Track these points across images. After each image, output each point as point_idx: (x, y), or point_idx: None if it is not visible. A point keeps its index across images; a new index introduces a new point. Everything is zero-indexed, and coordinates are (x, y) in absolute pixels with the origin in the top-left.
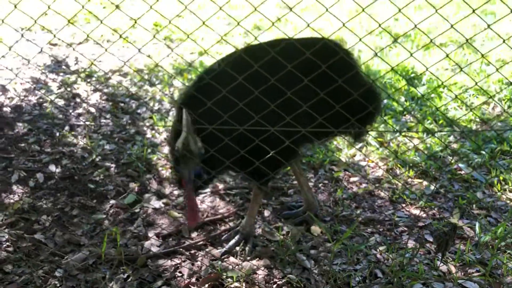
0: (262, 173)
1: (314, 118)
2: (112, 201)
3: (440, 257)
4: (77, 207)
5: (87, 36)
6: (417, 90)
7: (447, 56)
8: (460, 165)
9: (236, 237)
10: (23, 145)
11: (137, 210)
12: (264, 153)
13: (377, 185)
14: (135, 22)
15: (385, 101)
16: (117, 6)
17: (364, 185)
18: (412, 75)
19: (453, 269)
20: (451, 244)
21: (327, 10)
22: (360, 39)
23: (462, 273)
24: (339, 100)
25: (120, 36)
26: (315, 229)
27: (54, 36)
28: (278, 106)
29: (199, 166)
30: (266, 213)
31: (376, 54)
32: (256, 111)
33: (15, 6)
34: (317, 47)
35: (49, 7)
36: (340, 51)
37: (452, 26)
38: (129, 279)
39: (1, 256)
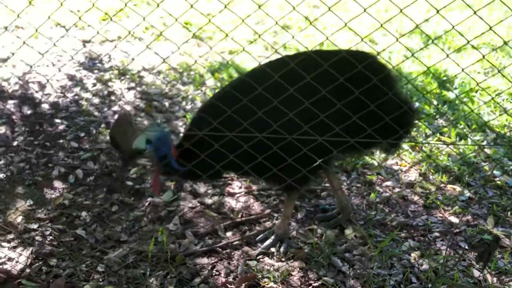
0: (292, 184)
1: (346, 133)
2: (150, 199)
3: (481, 268)
4: (116, 203)
5: (132, 31)
6: (452, 91)
7: (483, 57)
8: (495, 172)
9: (272, 238)
10: (61, 141)
11: (173, 209)
12: (296, 163)
13: (410, 189)
14: (176, 19)
15: (417, 104)
16: (158, 5)
17: (397, 189)
18: (444, 78)
19: (489, 278)
20: (493, 255)
21: (365, 10)
22: (397, 39)
23: (498, 282)
24: (373, 118)
25: (161, 33)
26: (349, 232)
27: (97, 32)
28: (312, 119)
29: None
30: (300, 215)
31: (412, 55)
32: (289, 123)
33: (61, 4)
34: (365, 63)
35: (93, 5)
36: (384, 69)
37: (491, 28)
38: (168, 276)
39: (46, 249)
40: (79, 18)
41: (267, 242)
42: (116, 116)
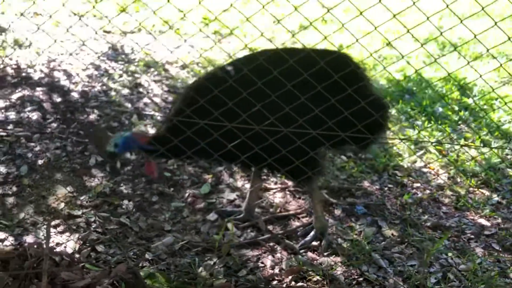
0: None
1: (322, 124)
2: (189, 191)
3: None
4: (155, 193)
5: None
6: (472, 99)
7: (501, 66)
8: None
9: (312, 233)
10: (94, 134)
11: (213, 201)
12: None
13: (440, 192)
14: (184, 15)
15: (440, 109)
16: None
17: (427, 191)
18: (464, 85)
19: None
20: None
21: (394, 16)
22: (422, 45)
23: None
24: (346, 109)
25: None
26: (387, 231)
27: (115, 21)
28: (290, 110)
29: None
30: (337, 212)
31: (435, 60)
32: (269, 113)
33: None
34: (329, 59)
35: None
36: (350, 64)
37: (510, 38)
38: (216, 266)
39: (93, 236)
40: (93, 6)
41: (308, 237)
42: (94, 129)
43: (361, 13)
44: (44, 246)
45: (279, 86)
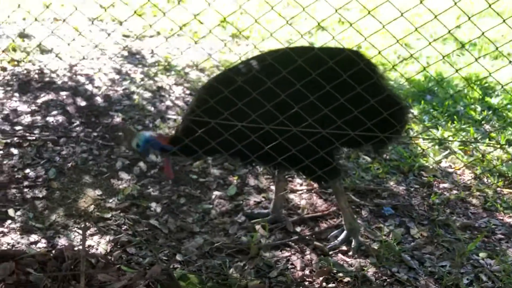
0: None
1: (333, 124)
2: (216, 192)
3: None
4: (183, 196)
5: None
6: (494, 98)
7: None
8: None
9: (343, 235)
10: (120, 134)
11: (240, 202)
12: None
13: (467, 192)
14: (194, 17)
15: (463, 109)
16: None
17: (454, 191)
18: (486, 84)
19: None
20: None
21: (406, 15)
22: (430, 43)
23: None
24: (357, 108)
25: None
26: (415, 231)
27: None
28: (301, 108)
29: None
30: (364, 213)
31: (459, 68)
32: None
33: None
34: (339, 58)
35: None
36: (360, 61)
37: None
38: (246, 268)
39: (124, 238)
40: (105, 10)
41: (340, 238)
42: (122, 127)
43: (369, 12)
44: (81, 248)
45: (288, 86)
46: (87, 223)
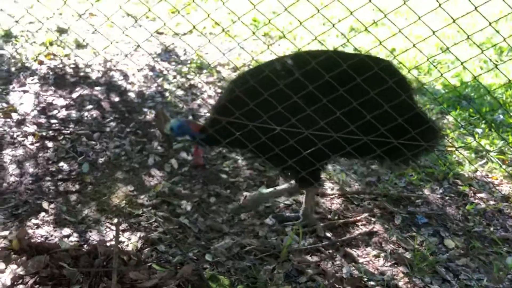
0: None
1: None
2: (246, 193)
3: None
4: (213, 195)
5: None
6: None
7: None
8: None
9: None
10: (152, 130)
11: (270, 204)
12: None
13: (505, 204)
14: (239, 18)
15: (501, 117)
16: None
17: (491, 202)
18: None
19: None
20: None
21: (454, 21)
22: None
23: None
24: (380, 124)
25: (223, 30)
26: (449, 242)
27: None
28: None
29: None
30: (397, 221)
31: (496, 66)
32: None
33: None
34: (380, 67)
35: None
36: (397, 75)
37: None
38: (275, 272)
39: (154, 235)
40: (149, 9)
41: (291, 215)
42: (157, 111)
43: (415, 11)
44: (113, 244)
45: (314, 88)
46: (117, 219)
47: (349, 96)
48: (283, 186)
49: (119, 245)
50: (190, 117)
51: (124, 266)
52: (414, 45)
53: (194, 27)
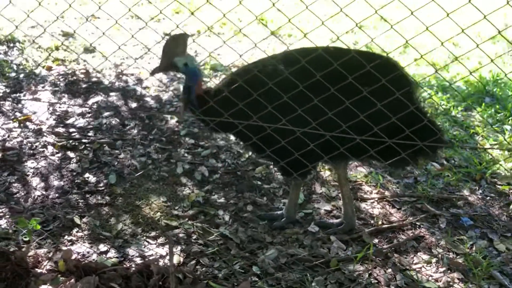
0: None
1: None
2: (284, 200)
3: None
4: (249, 203)
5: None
6: None
7: None
8: None
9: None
10: (175, 137)
11: (310, 211)
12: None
13: None
14: (256, 18)
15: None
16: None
17: None
18: None
19: None
20: None
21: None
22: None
23: None
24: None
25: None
26: (500, 245)
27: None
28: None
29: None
30: (442, 224)
31: None
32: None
33: None
34: (377, 62)
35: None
36: (398, 71)
37: None
38: (327, 282)
39: (196, 248)
40: (160, 11)
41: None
42: (177, 34)
43: (412, 13)
44: (169, 263)
45: (313, 83)
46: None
47: (342, 94)
48: (291, 191)
49: (160, 260)
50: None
51: (180, 285)
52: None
53: (209, 28)
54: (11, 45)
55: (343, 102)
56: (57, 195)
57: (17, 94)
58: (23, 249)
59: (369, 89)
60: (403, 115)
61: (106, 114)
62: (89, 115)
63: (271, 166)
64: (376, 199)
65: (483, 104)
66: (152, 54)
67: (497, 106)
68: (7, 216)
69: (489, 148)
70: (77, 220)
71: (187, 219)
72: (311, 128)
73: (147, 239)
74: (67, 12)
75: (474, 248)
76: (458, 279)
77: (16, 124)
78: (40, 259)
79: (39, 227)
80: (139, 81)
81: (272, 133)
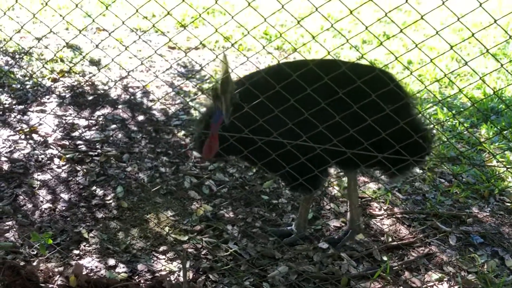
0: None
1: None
2: (293, 216)
3: None
4: (258, 218)
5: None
6: None
7: None
8: None
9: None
10: (183, 150)
11: (319, 227)
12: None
13: None
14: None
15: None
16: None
17: None
18: None
19: None
20: None
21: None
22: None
23: None
24: (373, 133)
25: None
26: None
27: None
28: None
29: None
30: (451, 241)
31: None
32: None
33: (137, 10)
34: (373, 75)
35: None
36: (391, 82)
37: None
38: None
39: (206, 264)
40: (164, 21)
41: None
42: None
43: (418, 20)
44: (182, 280)
45: (307, 96)
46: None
47: (337, 107)
48: (300, 207)
49: (172, 276)
50: None
51: None
52: (431, 60)
53: (218, 42)
54: (17, 56)
55: (349, 114)
56: (64, 208)
57: (23, 106)
58: (34, 263)
59: (360, 103)
60: (402, 124)
61: (112, 126)
62: (96, 127)
63: (280, 181)
64: (385, 215)
65: (489, 121)
66: (157, 67)
67: (503, 123)
68: (14, 229)
69: (494, 166)
70: (84, 233)
71: (195, 233)
72: (325, 142)
73: (156, 254)
74: (71, 23)
75: (485, 267)
76: None
77: (23, 136)
78: (51, 273)
79: (51, 241)
80: (145, 93)
81: (279, 148)
